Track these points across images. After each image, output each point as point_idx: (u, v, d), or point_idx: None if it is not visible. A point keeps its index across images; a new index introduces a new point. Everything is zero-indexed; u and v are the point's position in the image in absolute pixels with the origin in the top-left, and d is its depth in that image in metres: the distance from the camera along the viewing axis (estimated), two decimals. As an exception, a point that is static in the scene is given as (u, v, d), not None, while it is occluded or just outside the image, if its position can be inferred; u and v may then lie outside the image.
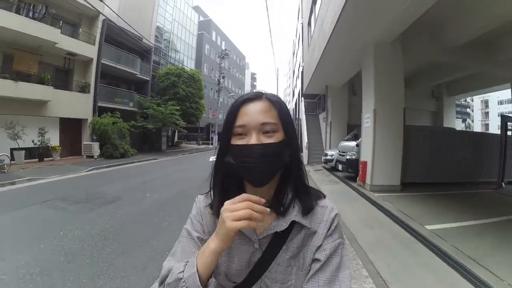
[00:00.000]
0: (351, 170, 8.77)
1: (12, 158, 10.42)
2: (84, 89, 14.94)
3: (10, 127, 11.15)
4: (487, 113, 57.61)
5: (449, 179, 7.91)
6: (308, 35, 14.68)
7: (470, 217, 4.88)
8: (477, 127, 56.39)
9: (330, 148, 13.08)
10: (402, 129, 7.08)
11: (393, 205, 5.58)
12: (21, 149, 11.48)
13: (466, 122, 59.45)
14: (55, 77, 13.91)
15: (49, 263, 3.05)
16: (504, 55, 8.33)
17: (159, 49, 25.48)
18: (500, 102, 51.99)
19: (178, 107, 20.01)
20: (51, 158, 12.73)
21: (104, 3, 14.60)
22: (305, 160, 14.28)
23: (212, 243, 0.62)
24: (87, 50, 14.83)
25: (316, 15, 10.75)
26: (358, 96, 11.76)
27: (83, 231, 4.10)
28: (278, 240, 0.70)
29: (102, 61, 15.83)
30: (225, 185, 0.73)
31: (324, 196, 0.77)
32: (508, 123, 8.30)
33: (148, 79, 20.90)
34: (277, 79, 38.17)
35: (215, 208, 0.72)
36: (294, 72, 35.39)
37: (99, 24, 15.60)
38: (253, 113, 0.67)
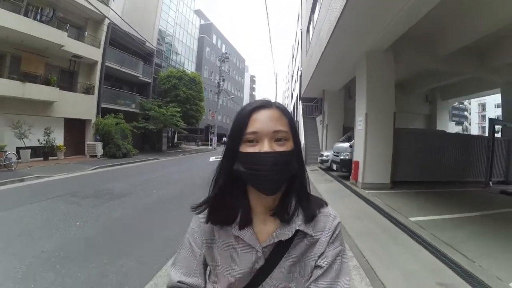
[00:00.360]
0: (344, 170, 9.22)
1: (18, 156, 10.75)
2: (88, 90, 15.38)
3: (17, 126, 11.53)
4: (484, 116, 58.09)
5: (438, 178, 8.36)
6: (306, 41, 15.19)
7: (453, 211, 5.28)
8: (474, 130, 56.90)
9: (326, 150, 13.55)
10: (392, 131, 7.53)
11: (382, 200, 6.00)
12: (27, 148, 11.83)
13: (463, 124, 60.16)
14: (61, 78, 14.31)
15: (71, 248, 3.41)
16: (494, 61, 8.75)
17: (161, 52, 25.93)
18: (497, 105, 52.09)
19: (179, 109, 20.46)
20: (55, 157, 13.11)
21: (110, 7, 15.07)
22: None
23: None
24: (92, 53, 15.28)
25: (314, 23, 11.24)
26: (353, 99, 12.17)
27: (99, 221, 4.52)
28: (281, 248, 0.71)
29: (106, 64, 16.25)
30: (228, 192, 0.72)
31: (326, 204, 0.78)
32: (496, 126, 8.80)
33: (150, 81, 21.34)
34: (276, 83, 38.66)
35: (216, 214, 0.73)
36: (293, 75, 35.79)
37: (104, 28, 16.05)
38: (266, 120, 0.66)
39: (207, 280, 0.76)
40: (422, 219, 4.74)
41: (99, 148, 14.61)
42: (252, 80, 79.24)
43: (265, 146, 0.64)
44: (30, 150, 11.91)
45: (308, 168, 12.48)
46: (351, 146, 8.91)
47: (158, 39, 24.79)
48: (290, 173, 0.68)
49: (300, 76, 20.20)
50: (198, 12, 40.03)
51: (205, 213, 0.76)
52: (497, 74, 9.58)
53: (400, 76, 11.56)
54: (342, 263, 0.70)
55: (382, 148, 7.41)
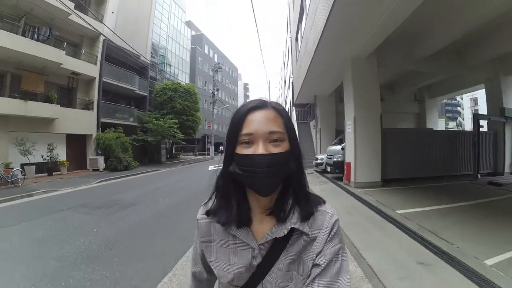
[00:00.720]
0: (338, 171, 9.74)
1: (23, 172, 10.99)
2: (87, 106, 15.82)
3: (21, 143, 11.80)
4: (477, 110, 58.69)
5: (428, 174, 8.89)
6: (296, 49, 15.82)
7: (440, 203, 5.71)
8: (468, 125, 57.27)
9: (320, 153, 14.09)
10: (379, 132, 8.06)
11: (372, 197, 6.48)
12: (31, 164, 12.12)
13: (457, 120, 60.78)
14: (60, 95, 14.69)
15: (93, 251, 3.81)
16: (473, 59, 9.21)
17: (155, 65, 26.40)
18: (488, 99, 52.90)
19: (176, 121, 20.91)
20: (59, 172, 13.43)
21: (104, 24, 15.51)
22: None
23: None
24: (90, 69, 15.73)
25: (302, 32, 11.85)
26: (344, 103, 12.75)
27: (114, 227, 4.94)
28: (278, 246, 0.71)
29: (104, 79, 16.69)
30: (227, 192, 0.74)
31: (324, 202, 0.78)
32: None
33: (146, 94, 21.77)
34: (269, 90, 39.33)
35: (215, 214, 0.75)
36: (285, 82, 36.35)
37: (100, 44, 16.51)
38: (261, 121, 0.66)
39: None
40: (409, 211, 5.18)
41: (101, 162, 14.99)
42: (246, 88, 79.90)
43: (260, 148, 0.64)
44: (34, 166, 12.20)
45: (304, 171, 12.97)
46: (342, 149, 9.42)
47: (151, 52, 25.29)
48: (285, 174, 0.68)
49: (292, 83, 20.77)
50: (189, 23, 40.55)
51: (204, 213, 0.79)
52: (478, 71, 10.02)
53: (387, 78, 12.14)
54: (342, 261, 0.69)
55: (371, 148, 7.92)
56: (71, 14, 13.38)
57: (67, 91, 15.63)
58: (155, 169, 16.97)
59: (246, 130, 0.66)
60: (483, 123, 9.70)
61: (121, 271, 3.23)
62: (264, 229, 0.73)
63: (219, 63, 34.47)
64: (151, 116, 20.28)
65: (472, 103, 60.30)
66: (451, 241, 3.63)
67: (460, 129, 45.67)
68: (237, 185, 0.72)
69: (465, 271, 2.80)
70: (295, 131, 0.74)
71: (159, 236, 4.51)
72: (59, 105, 13.44)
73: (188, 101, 23.81)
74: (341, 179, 9.23)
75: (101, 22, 15.51)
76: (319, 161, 12.26)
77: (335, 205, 6.02)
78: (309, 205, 0.73)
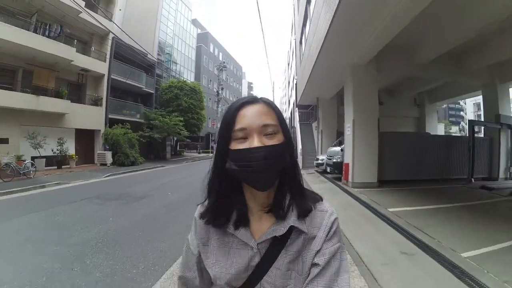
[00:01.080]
0: (337, 171, 10.16)
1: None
2: (96, 102, 16.30)
3: (33, 137, 12.26)
4: (479, 115, 58.58)
5: (423, 177, 9.19)
6: (300, 52, 16.20)
7: (431, 203, 6.05)
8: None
9: (321, 154, 14.50)
10: (377, 135, 8.47)
11: (367, 196, 6.88)
12: (42, 157, 12.62)
13: (460, 124, 60.82)
14: (70, 91, 15.10)
15: (112, 236, 4.24)
16: (471, 66, 9.43)
17: (161, 63, 26.80)
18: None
19: (181, 118, 21.33)
20: (68, 166, 13.91)
21: (114, 23, 15.99)
22: (300, 164, 15.39)
23: None
24: (99, 66, 16.22)
25: (306, 37, 12.25)
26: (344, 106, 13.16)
27: (128, 216, 5.39)
28: (276, 245, 0.70)
29: (112, 76, 17.14)
30: (223, 190, 0.72)
31: (321, 199, 0.77)
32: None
33: (153, 91, 22.18)
34: (273, 91, 39.69)
35: (211, 214, 0.73)
36: (289, 82, 36.63)
37: (109, 42, 16.97)
38: (253, 115, 0.66)
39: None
40: (400, 209, 5.57)
41: (108, 157, 15.49)
42: (250, 87, 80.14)
43: (255, 141, 0.63)
44: (44, 159, 12.70)
45: (305, 172, 13.40)
46: (342, 150, 9.84)
47: (158, 50, 25.69)
48: (282, 167, 0.67)
49: (296, 84, 21.15)
50: (194, 22, 40.72)
51: (200, 213, 0.77)
52: (475, 77, 10.24)
53: (387, 83, 12.46)
54: (341, 261, 0.68)
55: (368, 150, 8.31)
56: (81, 12, 13.81)
57: (76, 87, 16.08)
58: (161, 165, 17.48)
59: (239, 125, 0.65)
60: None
61: (140, 252, 3.67)
62: (263, 227, 0.71)
63: (224, 62, 34.87)
64: (157, 113, 20.73)
65: (475, 108, 60.24)
66: (434, 236, 4.01)
67: (463, 133, 45.64)
68: (233, 183, 0.71)
69: (442, 261, 3.20)
70: (287, 124, 0.73)
71: (171, 225, 4.93)
72: (69, 101, 13.91)
73: (193, 99, 24.16)
74: (340, 179, 9.63)
75: (111, 20, 15.95)
76: (319, 161, 12.70)
77: (332, 202, 6.20)
78: (304, 200, 0.72)
